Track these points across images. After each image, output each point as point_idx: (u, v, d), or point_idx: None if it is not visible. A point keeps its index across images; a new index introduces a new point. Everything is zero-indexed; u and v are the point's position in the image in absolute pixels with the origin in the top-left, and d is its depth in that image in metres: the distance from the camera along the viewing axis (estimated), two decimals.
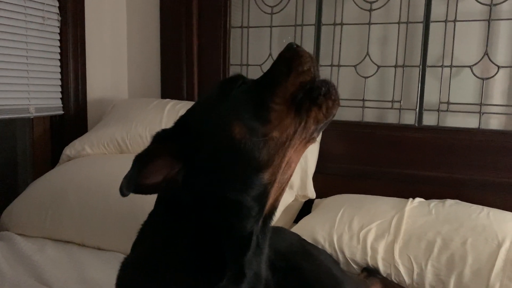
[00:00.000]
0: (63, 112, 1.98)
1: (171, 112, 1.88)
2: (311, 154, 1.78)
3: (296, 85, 0.77)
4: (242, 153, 0.74)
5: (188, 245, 0.77)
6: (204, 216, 0.76)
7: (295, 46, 0.82)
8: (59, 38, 1.94)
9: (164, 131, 0.82)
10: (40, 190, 1.64)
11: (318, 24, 1.99)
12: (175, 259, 0.77)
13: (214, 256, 0.76)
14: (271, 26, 2.08)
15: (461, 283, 1.32)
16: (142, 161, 0.76)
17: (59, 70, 1.95)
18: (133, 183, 0.75)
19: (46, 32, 1.87)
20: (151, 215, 0.88)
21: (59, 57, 1.95)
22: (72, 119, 2.01)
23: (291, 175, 0.82)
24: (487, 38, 1.77)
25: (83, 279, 1.30)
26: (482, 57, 1.78)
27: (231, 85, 0.80)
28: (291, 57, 0.80)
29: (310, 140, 0.80)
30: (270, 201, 0.78)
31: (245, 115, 0.75)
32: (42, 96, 1.89)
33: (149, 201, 1.43)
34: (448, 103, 1.84)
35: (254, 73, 2.12)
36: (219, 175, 0.75)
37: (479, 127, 1.80)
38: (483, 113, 1.80)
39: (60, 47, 1.95)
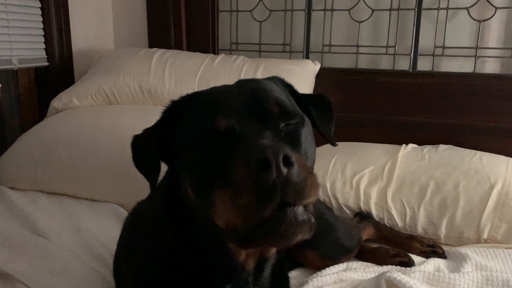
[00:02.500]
0: (48, 64, 1.91)
1: (159, 61, 1.82)
2: None
3: (229, 221, 0.60)
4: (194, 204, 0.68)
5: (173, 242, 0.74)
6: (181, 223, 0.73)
7: (261, 165, 0.55)
8: None
9: (173, 102, 0.77)
10: (29, 143, 1.61)
11: None
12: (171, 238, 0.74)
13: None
14: None
15: (452, 225, 1.34)
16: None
17: (41, 19, 1.87)
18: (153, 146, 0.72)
19: None
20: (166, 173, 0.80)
21: (40, 5, 1.85)
22: (58, 71, 1.94)
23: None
24: None
25: (77, 230, 1.30)
26: None
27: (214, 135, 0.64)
28: (241, 183, 0.57)
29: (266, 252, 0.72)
30: (242, 258, 0.70)
31: (197, 184, 0.65)
32: (25, 46, 1.81)
33: None
34: (443, 47, 1.80)
35: (244, 20, 2.05)
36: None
37: (474, 71, 1.77)
38: (479, 57, 1.77)
39: None
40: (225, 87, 0.73)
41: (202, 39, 2.08)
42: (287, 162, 0.55)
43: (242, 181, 0.56)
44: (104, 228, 1.30)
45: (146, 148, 0.74)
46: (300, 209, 0.57)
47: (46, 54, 1.91)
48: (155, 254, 0.76)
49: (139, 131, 1.49)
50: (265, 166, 0.54)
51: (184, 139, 0.68)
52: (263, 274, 0.75)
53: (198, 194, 0.65)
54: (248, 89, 0.70)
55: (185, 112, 0.71)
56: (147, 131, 0.77)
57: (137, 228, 0.84)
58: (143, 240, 0.79)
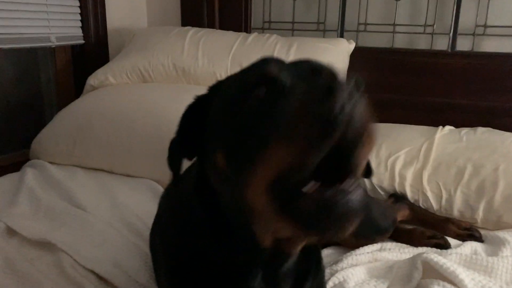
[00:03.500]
0: (83, 42, 1.94)
1: (192, 40, 1.83)
2: None
3: (274, 168, 0.50)
4: (223, 183, 0.62)
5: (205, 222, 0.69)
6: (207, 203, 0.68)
7: (325, 89, 0.47)
8: None
9: (197, 99, 0.71)
10: (66, 119, 1.65)
11: None
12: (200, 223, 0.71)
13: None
14: None
15: (491, 209, 1.31)
16: (181, 130, 0.71)
17: None
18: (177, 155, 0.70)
19: None
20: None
21: None
22: (93, 49, 1.97)
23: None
24: None
25: (114, 204, 1.33)
26: None
27: (251, 85, 0.58)
28: (299, 112, 0.49)
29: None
30: (266, 248, 0.63)
31: (232, 149, 0.57)
32: (62, 24, 1.85)
33: (173, 128, 1.43)
34: (485, 26, 1.74)
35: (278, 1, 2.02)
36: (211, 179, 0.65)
37: None
38: None
39: None
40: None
41: (235, 18, 2.06)
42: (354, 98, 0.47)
43: (298, 113, 0.48)
44: (140, 203, 1.33)
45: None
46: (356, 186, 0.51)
47: (82, 32, 1.94)
48: (184, 236, 0.75)
49: (172, 109, 1.51)
50: (329, 91, 0.46)
51: (219, 108, 0.64)
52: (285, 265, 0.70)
53: (234, 160, 0.57)
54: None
55: (216, 95, 0.67)
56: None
57: (170, 207, 0.84)
58: (174, 219, 0.79)
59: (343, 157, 0.49)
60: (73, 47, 1.96)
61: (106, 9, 2.01)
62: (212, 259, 0.70)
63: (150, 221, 0.98)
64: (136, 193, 1.41)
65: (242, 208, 0.58)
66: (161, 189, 1.39)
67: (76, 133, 1.58)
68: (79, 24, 1.92)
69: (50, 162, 1.57)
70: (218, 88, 0.68)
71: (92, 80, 1.80)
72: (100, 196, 1.37)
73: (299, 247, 0.65)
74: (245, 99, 0.57)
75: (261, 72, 0.59)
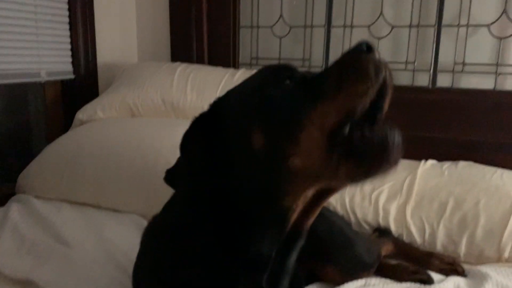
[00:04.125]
0: (74, 76, 1.98)
1: (181, 75, 1.87)
2: None
3: (339, 113, 0.58)
4: (257, 167, 0.65)
5: (209, 237, 0.71)
6: (220, 217, 0.70)
7: (364, 47, 0.61)
8: (67, 1, 1.91)
9: (200, 115, 0.75)
10: (54, 153, 1.66)
11: None
12: (196, 243, 0.73)
13: (230, 261, 0.70)
14: None
15: (472, 243, 1.33)
16: (185, 149, 0.73)
17: (68, 33, 1.94)
18: (182, 173, 0.73)
19: None
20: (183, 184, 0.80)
21: (68, 20, 1.92)
22: (83, 83, 2.00)
23: (327, 199, 0.70)
24: None
25: (100, 239, 1.33)
26: (500, 16, 1.73)
27: (275, 78, 0.66)
28: (347, 65, 0.61)
29: (346, 185, 0.66)
30: (291, 224, 0.68)
31: (271, 124, 0.63)
32: (52, 60, 1.88)
33: (161, 162, 1.45)
34: (463, 63, 1.80)
35: (264, 35, 2.09)
36: (234, 180, 0.68)
37: (494, 88, 1.76)
38: (499, 74, 1.76)
39: (69, 10, 1.92)
40: None
41: (223, 54, 2.12)
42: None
43: (349, 65, 0.60)
44: (126, 238, 1.33)
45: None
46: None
47: (73, 67, 1.97)
48: (190, 259, 0.74)
49: (159, 143, 1.53)
50: (369, 48, 0.60)
51: (241, 103, 0.69)
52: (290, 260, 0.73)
53: (276, 132, 0.62)
54: None
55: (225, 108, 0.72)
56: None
57: (162, 239, 0.83)
58: (171, 249, 0.77)
59: (376, 102, 0.60)
60: (63, 81, 1.99)
61: (97, 44, 2.05)
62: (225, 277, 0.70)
63: (135, 257, 0.98)
64: (122, 228, 1.41)
65: (279, 180, 0.63)
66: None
67: (63, 167, 1.59)
68: (70, 59, 1.96)
69: (37, 197, 1.57)
70: (222, 100, 0.74)
71: (81, 114, 1.82)
72: (86, 232, 1.37)
73: (312, 220, 0.71)
74: (277, 83, 0.65)
75: (281, 64, 0.69)
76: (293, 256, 0.74)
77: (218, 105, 0.74)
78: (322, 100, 0.60)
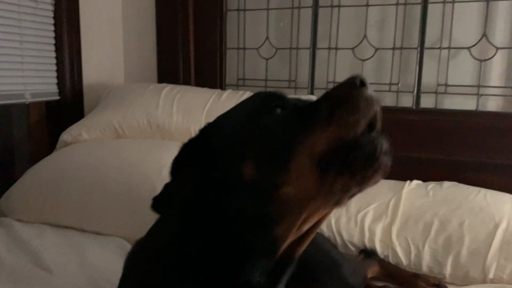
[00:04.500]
0: (59, 98, 1.96)
1: (167, 96, 1.87)
2: None
3: (329, 142, 0.61)
4: (248, 198, 0.65)
5: (196, 265, 0.70)
6: (208, 244, 0.69)
7: (357, 81, 0.63)
8: (53, 22, 1.91)
9: (190, 141, 0.74)
10: (38, 176, 1.63)
11: (316, 6, 1.97)
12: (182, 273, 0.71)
13: None
14: (268, 9, 2.06)
15: (458, 264, 1.33)
16: (174, 175, 0.71)
17: (54, 55, 1.93)
18: (170, 200, 0.71)
19: (39, 16, 1.84)
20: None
21: (53, 42, 1.92)
22: (68, 105, 1.99)
23: (317, 228, 0.70)
24: (486, 19, 1.76)
25: (82, 263, 1.30)
26: (481, 39, 1.77)
27: (266, 106, 0.66)
28: (339, 98, 0.63)
29: (337, 204, 0.65)
30: (281, 252, 0.68)
31: (262, 154, 0.64)
32: (37, 81, 1.86)
33: (146, 185, 1.44)
34: (446, 85, 1.84)
35: (251, 57, 2.11)
36: (224, 208, 0.67)
37: (476, 109, 1.80)
38: (481, 95, 1.80)
39: (55, 31, 1.92)
40: None
41: (210, 75, 2.13)
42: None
43: (340, 99, 0.62)
44: (110, 263, 1.30)
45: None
46: None
47: (58, 88, 1.96)
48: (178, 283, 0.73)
49: (144, 165, 1.52)
50: (362, 83, 0.63)
51: (231, 132, 0.69)
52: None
53: (267, 162, 0.63)
54: None
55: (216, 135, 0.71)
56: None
57: (146, 266, 0.79)
58: (156, 277, 0.75)
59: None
60: (47, 102, 1.98)
61: (83, 65, 2.05)
62: None
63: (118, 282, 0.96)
64: (106, 252, 1.39)
65: (270, 210, 0.63)
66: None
67: (46, 190, 1.56)
68: (55, 80, 1.94)
69: (18, 220, 1.54)
70: (213, 126, 0.73)
71: (65, 136, 1.80)
72: (68, 256, 1.34)
73: (303, 248, 0.71)
74: (267, 113, 0.66)
75: (272, 93, 0.70)
76: (283, 283, 0.73)
77: (208, 131, 0.73)
78: (312, 131, 0.62)
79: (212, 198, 0.68)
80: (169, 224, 0.77)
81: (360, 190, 0.63)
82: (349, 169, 0.60)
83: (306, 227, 0.67)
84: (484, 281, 1.31)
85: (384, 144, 0.63)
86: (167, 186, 0.73)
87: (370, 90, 0.63)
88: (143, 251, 0.86)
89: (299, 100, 0.72)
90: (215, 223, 0.68)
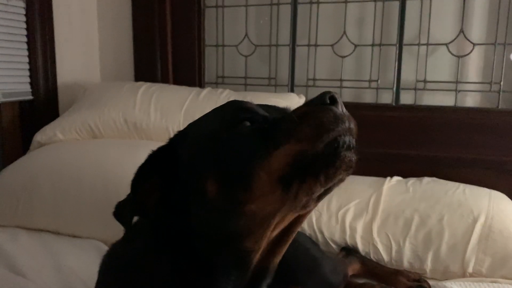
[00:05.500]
0: (32, 97, 1.91)
1: (144, 94, 1.83)
2: None
3: (287, 158, 0.59)
4: (212, 213, 0.64)
5: (167, 278, 0.69)
6: (177, 257, 0.68)
7: (326, 98, 0.60)
8: (25, 20, 1.85)
9: (158, 149, 0.72)
10: (10, 177, 1.58)
11: (294, 3, 1.96)
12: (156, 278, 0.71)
13: None
14: (246, 5, 2.04)
15: (438, 259, 1.34)
16: (136, 185, 0.69)
17: (26, 53, 1.87)
18: (130, 211, 0.69)
19: (10, 13, 1.79)
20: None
21: (26, 40, 1.86)
22: (42, 104, 1.93)
23: (291, 235, 0.69)
24: (462, 16, 1.77)
25: (58, 267, 1.27)
26: (458, 35, 1.79)
27: (233, 120, 0.64)
28: (303, 114, 0.60)
29: (305, 207, 0.64)
30: (254, 264, 0.67)
31: (225, 172, 0.62)
32: (9, 80, 1.81)
33: (124, 186, 1.40)
34: (424, 81, 1.85)
35: (230, 54, 2.08)
36: (192, 222, 0.66)
37: (455, 105, 1.81)
38: (459, 91, 1.82)
39: (27, 29, 1.86)
40: None
41: (188, 73, 2.10)
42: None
43: (310, 113, 0.59)
44: (86, 266, 1.27)
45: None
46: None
47: (31, 88, 1.90)
48: None
49: (121, 165, 1.49)
50: (333, 100, 0.60)
51: (198, 145, 0.67)
52: None
53: (230, 179, 0.62)
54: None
55: (184, 142, 0.70)
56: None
57: (120, 273, 0.79)
58: (130, 284, 0.75)
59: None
60: (21, 102, 1.92)
61: (57, 64, 1.99)
62: None
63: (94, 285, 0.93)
64: (81, 254, 1.35)
65: (236, 225, 0.62)
66: None
67: (20, 192, 1.51)
68: (28, 79, 1.89)
69: None
70: (181, 136, 0.71)
71: (39, 136, 1.75)
72: (43, 260, 1.30)
73: (280, 257, 0.70)
74: (233, 127, 0.64)
75: (242, 105, 0.68)
76: None
77: (177, 140, 0.72)
78: (272, 148, 0.60)
79: (178, 211, 0.67)
80: (142, 231, 0.75)
81: (327, 191, 0.62)
82: (311, 173, 0.58)
83: (275, 233, 0.66)
84: (463, 275, 1.32)
85: (347, 139, 0.59)
86: (126, 200, 0.71)
87: (341, 107, 0.61)
88: (117, 257, 0.85)
89: (273, 110, 0.70)
90: (183, 236, 0.67)
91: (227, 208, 0.62)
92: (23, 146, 1.89)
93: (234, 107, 0.69)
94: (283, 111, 0.70)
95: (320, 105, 0.60)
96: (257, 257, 0.66)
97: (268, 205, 0.61)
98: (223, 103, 1.88)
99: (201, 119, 0.73)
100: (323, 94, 0.60)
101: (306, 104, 0.63)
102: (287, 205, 0.61)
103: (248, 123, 0.64)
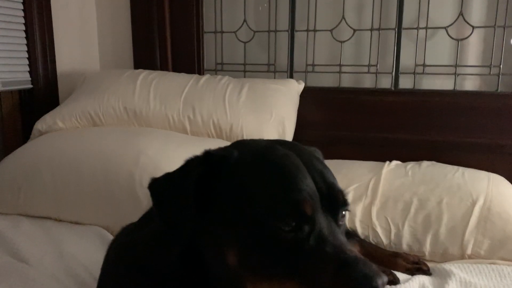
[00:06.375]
0: (32, 86, 1.91)
1: (144, 82, 1.83)
2: (288, 121, 1.76)
3: None
4: (223, 270, 0.65)
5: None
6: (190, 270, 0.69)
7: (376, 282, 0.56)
8: (22, 8, 1.85)
9: (197, 159, 0.70)
10: (11, 166, 1.59)
11: None
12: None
13: None
14: None
15: (437, 241, 1.35)
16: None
17: (25, 42, 1.87)
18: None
19: (8, 2, 1.78)
20: None
21: (24, 28, 1.86)
22: (42, 93, 1.94)
23: None
24: None
25: (60, 254, 1.27)
26: (457, 18, 1.77)
27: (289, 217, 0.61)
28: (346, 277, 0.56)
29: None
30: None
31: (245, 250, 0.62)
32: (8, 69, 1.81)
33: (124, 174, 1.42)
34: (423, 65, 1.84)
35: (229, 41, 2.08)
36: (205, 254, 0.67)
37: (454, 89, 1.81)
38: (458, 75, 1.81)
39: (25, 17, 1.85)
40: (287, 155, 0.68)
41: (187, 60, 2.09)
42: None
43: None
44: (88, 252, 1.28)
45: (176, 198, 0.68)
46: None
47: (30, 77, 1.91)
48: None
49: (121, 153, 1.50)
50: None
51: (241, 203, 0.64)
52: None
53: (245, 266, 0.62)
54: (316, 169, 0.67)
55: (237, 169, 0.67)
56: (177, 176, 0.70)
57: (129, 260, 0.79)
58: (137, 274, 0.75)
59: None
60: (20, 91, 1.92)
61: (56, 53, 1.99)
62: None
63: (97, 271, 0.94)
64: (84, 241, 1.36)
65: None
66: (110, 237, 1.35)
67: (21, 180, 1.52)
68: (27, 68, 1.89)
69: None
70: (227, 160, 0.68)
71: (39, 125, 1.75)
72: (46, 247, 1.31)
73: None
74: (280, 217, 0.60)
75: (302, 206, 0.62)
76: None
77: (220, 162, 0.68)
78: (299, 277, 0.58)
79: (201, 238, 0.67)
80: (156, 230, 0.75)
81: None
82: None
83: None
84: (462, 257, 1.33)
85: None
86: (170, 177, 0.69)
87: None
88: (128, 244, 0.83)
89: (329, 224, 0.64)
90: (196, 258, 0.67)
91: (236, 279, 0.63)
92: (23, 134, 1.90)
93: (300, 205, 0.62)
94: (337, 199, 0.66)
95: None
96: None
97: None
98: (221, 90, 1.84)
99: (259, 165, 0.67)
100: (373, 277, 0.55)
101: (351, 277, 0.57)
102: None
103: (293, 233, 0.60)
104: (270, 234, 0.60)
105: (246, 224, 0.62)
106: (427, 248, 1.36)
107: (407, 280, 1.19)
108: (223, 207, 0.65)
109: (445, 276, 1.20)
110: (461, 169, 1.56)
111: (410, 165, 1.61)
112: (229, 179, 0.66)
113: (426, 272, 1.25)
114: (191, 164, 0.70)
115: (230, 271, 0.64)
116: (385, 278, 0.56)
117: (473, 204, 1.37)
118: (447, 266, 1.25)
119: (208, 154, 0.69)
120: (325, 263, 0.58)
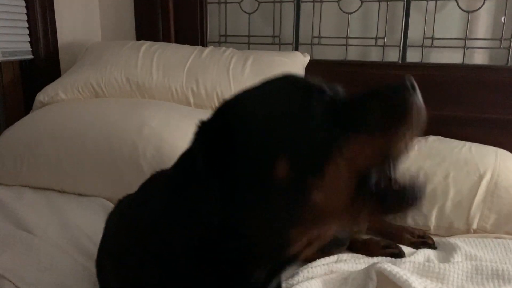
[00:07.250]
0: (32, 57, 1.88)
1: (146, 53, 1.80)
2: None
3: (375, 156, 0.56)
4: (272, 196, 0.58)
5: (187, 255, 0.63)
6: (208, 233, 0.61)
7: (409, 85, 0.59)
8: None
9: (205, 125, 0.63)
10: (14, 137, 1.58)
11: None
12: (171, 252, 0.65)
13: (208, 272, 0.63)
14: None
15: (442, 216, 1.34)
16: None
17: (25, 11, 1.83)
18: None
19: None
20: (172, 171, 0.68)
21: None
22: (43, 64, 1.91)
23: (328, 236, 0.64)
24: None
25: (64, 224, 1.27)
26: None
27: (303, 99, 0.59)
28: (394, 104, 0.58)
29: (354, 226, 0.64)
30: (287, 255, 0.63)
31: (298, 153, 0.57)
32: (9, 39, 1.77)
33: (127, 145, 1.40)
34: (432, 38, 1.80)
35: (233, 12, 2.03)
36: (239, 205, 0.60)
37: (463, 63, 1.77)
38: (468, 48, 1.77)
39: None
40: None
41: (191, 31, 2.05)
42: None
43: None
44: (91, 222, 1.28)
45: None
46: None
47: (31, 47, 1.87)
48: (158, 257, 0.66)
49: (124, 124, 1.48)
50: (413, 87, 0.58)
51: (261, 121, 0.60)
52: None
53: (304, 162, 0.56)
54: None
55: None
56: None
57: (132, 226, 0.74)
58: (140, 240, 0.69)
59: None
60: (21, 62, 1.89)
61: (57, 23, 1.95)
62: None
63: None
64: (87, 212, 1.36)
65: (292, 214, 0.58)
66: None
67: (23, 152, 1.51)
68: (28, 38, 1.85)
69: None
70: (233, 110, 0.63)
71: (41, 96, 1.73)
72: (49, 217, 1.31)
73: (314, 250, 0.65)
74: (307, 107, 0.58)
75: (311, 83, 0.62)
76: (279, 278, 0.70)
77: (229, 113, 0.63)
78: (357, 135, 0.56)
79: (227, 188, 0.59)
80: (164, 193, 0.68)
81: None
82: (384, 207, 0.58)
83: (322, 233, 0.62)
84: (467, 231, 1.33)
85: (423, 191, 0.61)
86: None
87: (420, 97, 0.57)
88: (129, 215, 0.80)
89: (337, 93, 0.64)
90: (225, 212, 0.59)
91: (291, 194, 0.57)
92: (25, 105, 1.88)
93: (300, 84, 0.63)
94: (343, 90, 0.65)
95: (409, 95, 0.57)
96: (294, 249, 0.61)
97: (336, 201, 0.57)
98: (225, 62, 1.80)
99: (257, 94, 0.65)
100: (405, 81, 0.58)
101: (390, 89, 0.59)
102: (345, 215, 0.58)
103: (319, 103, 0.59)
104: (307, 119, 0.59)
105: (280, 131, 0.59)
106: (432, 222, 1.35)
107: (412, 254, 1.19)
108: (242, 147, 0.60)
109: (450, 249, 1.20)
110: (468, 143, 1.54)
111: (416, 139, 1.58)
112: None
113: (431, 245, 1.25)
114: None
115: (281, 192, 0.57)
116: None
117: (480, 178, 1.35)
118: (452, 240, 1.25)
119: None
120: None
